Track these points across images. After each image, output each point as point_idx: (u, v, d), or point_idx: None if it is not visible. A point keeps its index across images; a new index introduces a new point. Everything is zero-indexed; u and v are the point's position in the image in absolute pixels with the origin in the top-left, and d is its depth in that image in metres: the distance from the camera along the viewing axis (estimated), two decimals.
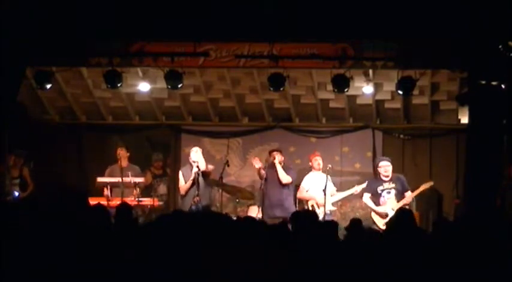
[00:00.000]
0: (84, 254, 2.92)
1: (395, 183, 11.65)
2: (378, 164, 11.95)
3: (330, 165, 11.98)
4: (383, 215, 11.43)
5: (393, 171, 11.82)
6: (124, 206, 8.00)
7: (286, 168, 12.04)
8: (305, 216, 6.99)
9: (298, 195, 12.17)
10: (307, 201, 12.08)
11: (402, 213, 7.13)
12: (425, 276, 4.59)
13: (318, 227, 6.40)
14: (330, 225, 6.50)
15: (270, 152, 12.23)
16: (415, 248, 4.99)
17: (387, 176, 11.68)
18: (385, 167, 11.74)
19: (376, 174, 12.03)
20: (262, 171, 11.90)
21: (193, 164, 11.69)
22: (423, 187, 11.72)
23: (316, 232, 5.81)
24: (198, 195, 11.41)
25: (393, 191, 11.60)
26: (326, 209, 11.54)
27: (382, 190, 11.63)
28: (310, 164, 12.35)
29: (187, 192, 11.69)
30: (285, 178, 11.86)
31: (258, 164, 12.05)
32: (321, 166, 12.12)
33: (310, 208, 11.81)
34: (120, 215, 7.67)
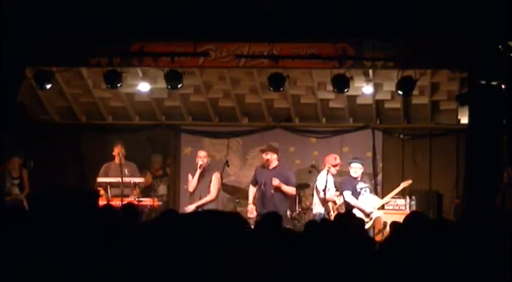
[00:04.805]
0: (89, 255, 2.92)
1: (367, 183, 11.54)
2: (350, 162, 11.60)
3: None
4: (367, 214, 11.15)
5: (394, 171, 11.77)
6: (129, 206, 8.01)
7: (285, 171, 11.49)
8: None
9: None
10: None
11: (415, 216, 7.04)
12: (425, 276, 4.60)
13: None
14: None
15: (262, 151, 11.48)
16: (415, 248, 5.01)
17: (358, 177, 11.40)
18: (356, 169, 11.42)
19: (376, 174, 11.97)
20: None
21: (198, 159, 11.46)
22: (402, 185, 11.63)
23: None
24: (200, 198, 11.27)
25: (368, 190, 11.44)
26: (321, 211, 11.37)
27: (361, 188, 11.37)
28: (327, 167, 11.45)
29: (195, 189, 11.47)
30: (290, 191, 11.18)
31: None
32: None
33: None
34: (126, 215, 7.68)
